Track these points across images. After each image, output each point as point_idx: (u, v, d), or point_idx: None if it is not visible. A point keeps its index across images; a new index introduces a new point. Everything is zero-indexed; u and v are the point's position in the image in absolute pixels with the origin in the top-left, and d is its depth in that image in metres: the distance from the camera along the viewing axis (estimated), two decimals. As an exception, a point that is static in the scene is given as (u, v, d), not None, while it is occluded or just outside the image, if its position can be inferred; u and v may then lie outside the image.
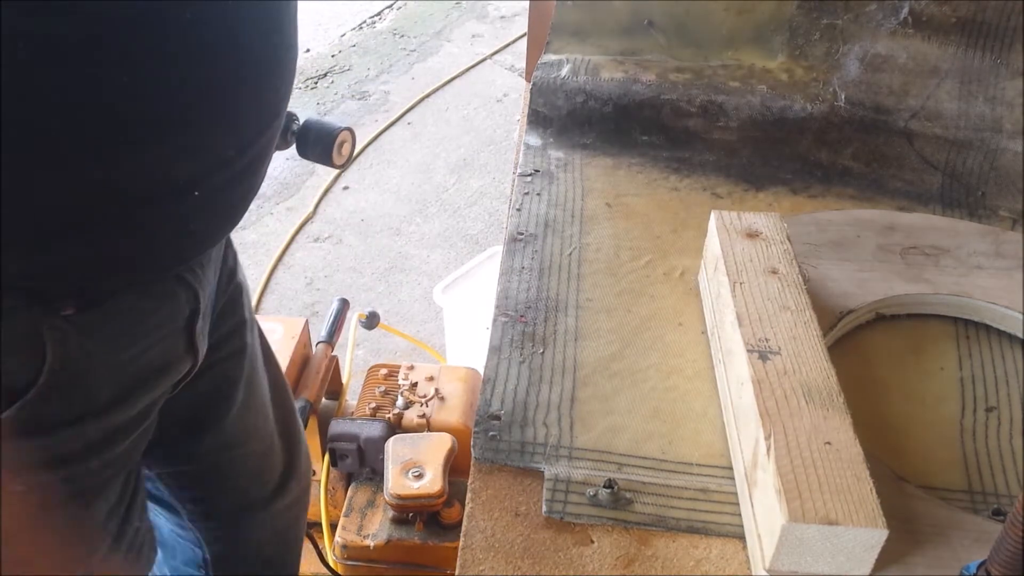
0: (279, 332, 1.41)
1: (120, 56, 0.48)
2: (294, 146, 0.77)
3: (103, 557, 0.70)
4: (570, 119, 1.03)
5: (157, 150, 0.53)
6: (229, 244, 0.83)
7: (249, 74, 0.57)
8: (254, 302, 2.26)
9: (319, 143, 0.77)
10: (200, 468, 0.89)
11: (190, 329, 0.70)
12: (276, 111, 0.63)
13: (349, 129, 0.78)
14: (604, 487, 0.62)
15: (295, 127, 0.76)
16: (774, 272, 0.71)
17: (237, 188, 0.63)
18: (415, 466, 1.21)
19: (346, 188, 2.85)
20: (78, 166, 0.49)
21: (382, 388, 1.43)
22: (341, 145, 0.78)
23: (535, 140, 1.03)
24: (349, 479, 1.39)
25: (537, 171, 0.97)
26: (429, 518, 1.25)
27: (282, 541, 1.09)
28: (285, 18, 0.60)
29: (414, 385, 1.42)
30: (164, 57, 0.50)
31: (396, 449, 1.22)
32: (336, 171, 2.90)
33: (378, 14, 3.99)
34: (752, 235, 0.75)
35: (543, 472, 0.64)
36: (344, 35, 3.79)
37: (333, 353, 1.52)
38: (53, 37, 0.46)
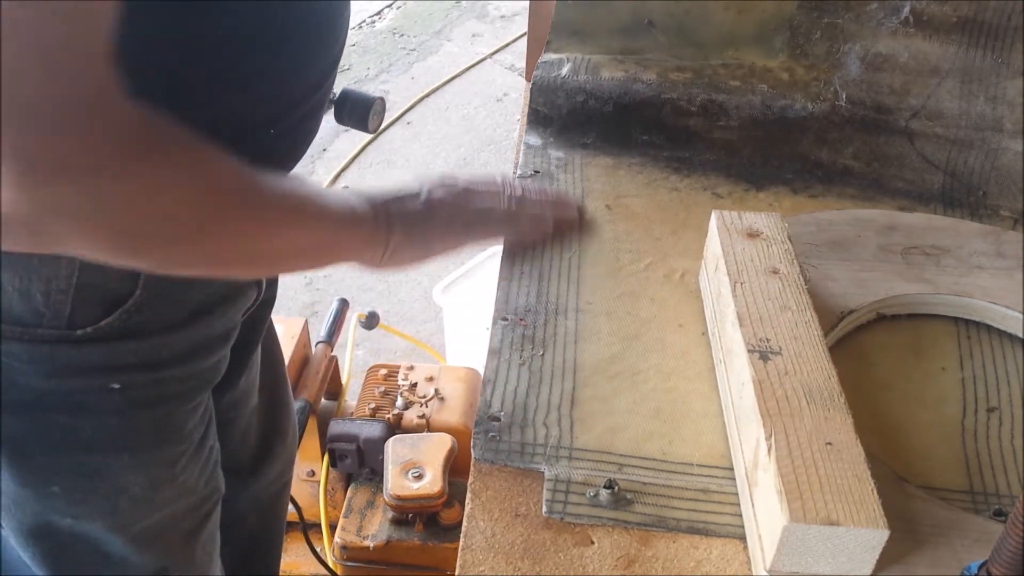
0: (279, 332, 1.41)
1: (223, 16, 0.58)
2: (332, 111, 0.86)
3: (185, 464, 0.78)
4: (570, 118, 1.02)
5: (247, 94, 0.64)
6: None
7: (323, 27, 0.67)
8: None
9: (355, 110, 0.85)
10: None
11: None
12: (338, 57, 0.73)
13: (382, 99, 0.87)
14: (604, 487, 0.61)
15: (333, 96, 0.83)
16: (775, 272, 0.71)
17: (306, 125, 0.72)
18: (415, 467, 1.21)
19: (346, 188, 2.85)
20: (180, 108, 0.56)
21: (382, 388, 1.43)
22: (375, 114, 0.86)
23: (535, 140, 1.02)
24: (348, 480, 1.39)
25: (537, 171, 0.97)
26: (429, 519, 1.25)
27: (266, 517, 1.11)
28: None
29: (414, 385, 1.42)
30: (264, 20, 0.61)
31: (396, 450, 1.22)
32: (336, 170, 2.90)
33: (378, 13, 3.99)
34: (753, 235, 0.75)
35: (543, 473, 0.63)
36: (344, 35, 3.79)
37: (333, 353, 1.52)
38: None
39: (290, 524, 1.58)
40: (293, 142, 0.73)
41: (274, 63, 0.65)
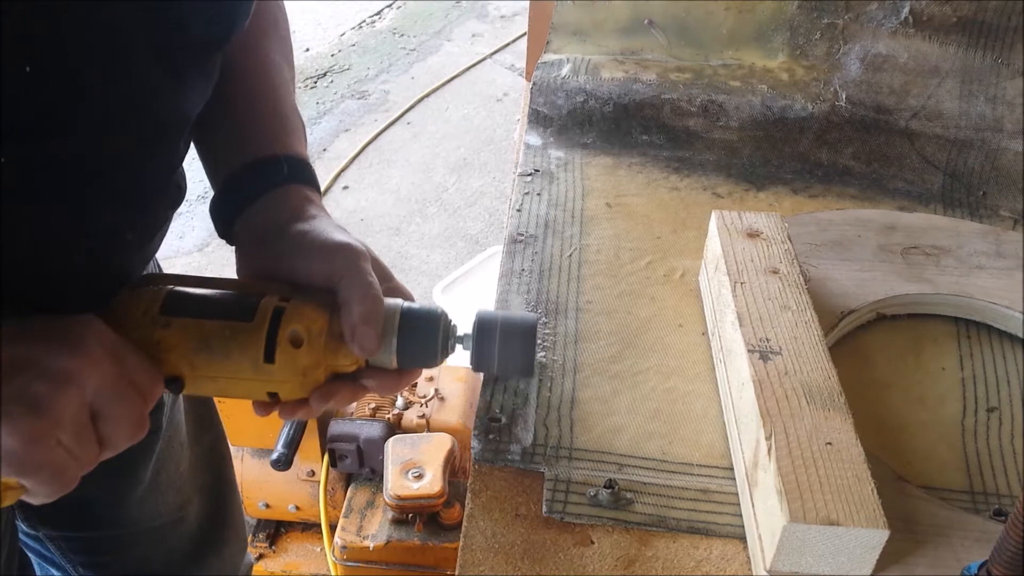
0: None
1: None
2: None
3: None
4: (570, 118, 1.02)
5: None
6: None
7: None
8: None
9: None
10: (93, 536, 0.86)
11: None
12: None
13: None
14: (604, 487, 0.61)
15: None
16: (775, 272, 0.71)
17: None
18: (415, 467, 1.21)
19: (346, 188, 2.85)
20: None
21: (382, 388, 1.42)
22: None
23: (535, 139, 1.02)
24: (348, 480, 1.39)
25: (537, 171, 0.97)
26: (429, 519, 1.25)
27: None
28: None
29: (414, 385, 1.41)
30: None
31: (396, 449, 1.22)
32: (335, 170, 2.90)
33: (378, 13, 3.99)
34: (753, 235, 0.75)
35: (543, 473, 0.63)
36: (344, 34, 3.79)
37: (333, 353, 1.52)
38: None
39: (290, 524, 1.58)
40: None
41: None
